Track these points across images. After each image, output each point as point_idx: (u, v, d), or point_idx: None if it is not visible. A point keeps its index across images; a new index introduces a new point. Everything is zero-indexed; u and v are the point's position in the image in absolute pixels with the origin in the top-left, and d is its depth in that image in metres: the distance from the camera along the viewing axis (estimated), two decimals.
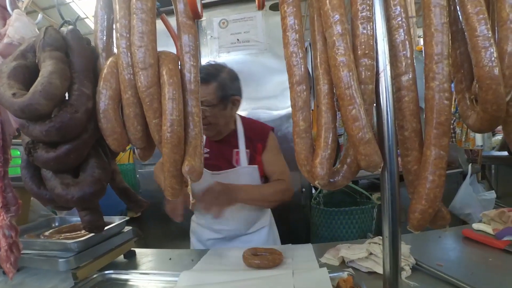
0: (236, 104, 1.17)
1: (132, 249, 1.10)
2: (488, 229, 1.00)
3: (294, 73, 0.57)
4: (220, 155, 1.20)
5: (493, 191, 1.77)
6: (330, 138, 0.55)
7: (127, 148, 2.35)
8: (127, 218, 1.09)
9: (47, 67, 0.54)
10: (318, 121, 0.58)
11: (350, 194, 1.73)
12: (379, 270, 0.80)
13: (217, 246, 1.19)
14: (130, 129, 0.60)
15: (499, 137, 2.74)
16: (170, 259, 1.06)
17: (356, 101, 0.53)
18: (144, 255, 1.11)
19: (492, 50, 0.54)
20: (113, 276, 0.93)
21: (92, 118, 0.60)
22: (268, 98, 1.73)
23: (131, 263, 1.06)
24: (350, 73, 0.53)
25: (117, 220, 1.06)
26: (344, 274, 0.77)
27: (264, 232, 1.25)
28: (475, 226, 1.05)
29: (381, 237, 0.94)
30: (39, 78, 0.53)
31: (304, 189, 1.72)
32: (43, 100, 0.51)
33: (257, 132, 1.23)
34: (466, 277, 0.76)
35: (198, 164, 0.58)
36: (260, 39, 1.64)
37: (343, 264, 0.89)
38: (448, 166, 2.10)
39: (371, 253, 0.85)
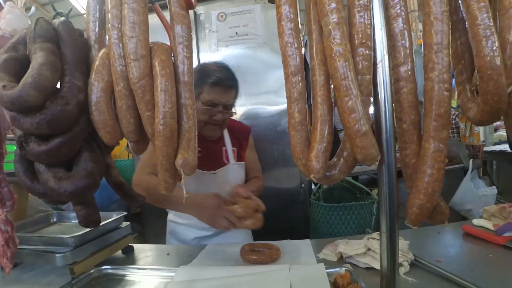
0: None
1: (130, 244, 1.10)
2: (488, 225, 0.99)
3: (289, 64, 0.55)
4: (210, 153, 1.23)
5: (494, 187, 1.75)
6: (326, 131, 0.54)
7: (125, 145, 2.34)
8: (124, 213, 1.09)
9: (37, 58, 0.53)
10: (314, 114, 0.56)
11: (350, 189, 1.72)
12: (377, 265, 0.79)
13: (202, 243, 1.22)
14: (122, 122, 0.59)
15: (501, 132, 2.71)
16: (168, 254, 1.06)
17: (352, 92, 0.51)
18: (142, 250, 1.11)
19: (493, 39, 0.52)
20: (110, 271, 0.93)
21: (84, 111, 0.59)
22: (267, 93, 1.71)
23: (129, 258, 1.05)
24: (346, 63, 0.51)
25: (114, 215, 1.05)
26: (342, 270, 0.76)
27: None
28: (476, 222, 1.04)
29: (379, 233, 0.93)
30: (29, 70, 0.52)
31: (303, 185, 1.71)
32: (33, 92, 0.50)
33: (241, 130, 1.33)
34: (465, 273, 0.75)
35: (192, 157, 0.57)
36: (259, 32, 1.62)
37: (341, 259, 0.88)
38: (449, 162, 2.08)
39: (369, 249, 0.84)
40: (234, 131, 1.30)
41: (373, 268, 0.80)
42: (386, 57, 0.56)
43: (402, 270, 0.76)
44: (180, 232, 1.29)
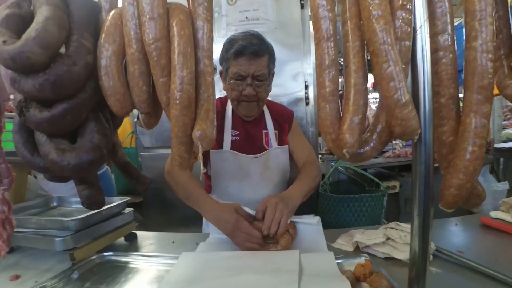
0: (272, 78, 1.10)
1: (133, 231, 1.05)
2: (507, 217, 0.95)
3: (321, 27, 0.50)
4: (249, 137, 1.13)
5: (506, 182, 1.71)
6: (361, 101, 0.49)
7: (129, 132, 2.28)
8: (128, 198, 1.04)
9: (43, 12, 0.48)
10: (346, 83, 0.51)
11: (358, 182, 1.68)
12: (398, 255, 0.75)
13: None
14: (134, 90, 0.54)
15: (509, 130, 2.68)
16: (173, 242, 1.01)
17: (392, 58, 0.47)
18: (146, 238, 1.06)
19: None
20: (113, 258, 0.88)
21: (92, 76, 0.54)
22: (276, 84, 1.66)
23: (132, 245, 1.00)
24: (387, 26, 0.47)
25: (117, 200, 1.00)
26: (361, 259, 0.72)
27: None
28: (493, 214, 1.00)
29: (397, 223, 0.89)
30: (33, 24, 0.47)
31: None
32: (37, 48, 0.45)
33: (283, 113, 1.20)
34: (490, 264, 0.71)
35: (211, 129, 0.52)
36: (269, 17, 1.56)
37: (357, 249, 0.83)
38: None
39: (388, 238, 0.80)
40: (275, 113, 1.18)
41: (392, 258, 0.76)
42: (426, 23, 0.51)
43: None
44: None
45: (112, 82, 0.52)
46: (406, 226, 0.84)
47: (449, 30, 0.53)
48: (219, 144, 1.09)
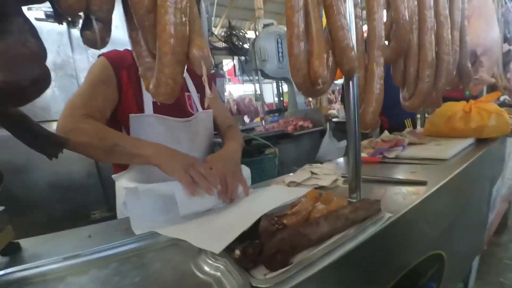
0: None
1: (14, 241, 0.70)
2: (363, 154, 1.38)
3: None
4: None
5: (345, 140, 2.47)
6: (325, 42, 0.61)
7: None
8: None
9: None
10: (309, 28, 0.61)
11: (245, 150, 1.87)
12: (323, 183, 0.94)
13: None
14: None
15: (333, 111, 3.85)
16: (89, 236, 0.76)
17: (341, 12, 0.61)
18: (36, 244, 0.71)
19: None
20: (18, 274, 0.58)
21: None
22: None
23: (16, 259, 0.66)
24: None
25: None
26: (305, 190, 0.86)
27: None
28: None
29: (309, 164, 1.11)
30: None
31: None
32: None
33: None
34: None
35: (208, 49, 0.48)
36: None
37: None
38: (314, 125, 2.71)
39: (312, 174, 1.00)
40: (195, 75, 1.07)
41: (320, 187, 0.95)
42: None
43: (340, 182, 0.96)
44: None
45: None
46: (317, 165, 1.08)
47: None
48: (138, 107, 0.92)
